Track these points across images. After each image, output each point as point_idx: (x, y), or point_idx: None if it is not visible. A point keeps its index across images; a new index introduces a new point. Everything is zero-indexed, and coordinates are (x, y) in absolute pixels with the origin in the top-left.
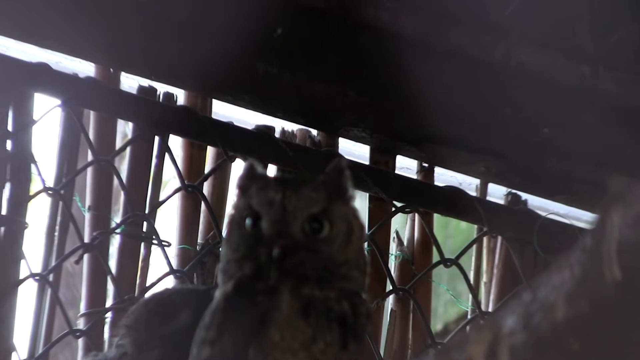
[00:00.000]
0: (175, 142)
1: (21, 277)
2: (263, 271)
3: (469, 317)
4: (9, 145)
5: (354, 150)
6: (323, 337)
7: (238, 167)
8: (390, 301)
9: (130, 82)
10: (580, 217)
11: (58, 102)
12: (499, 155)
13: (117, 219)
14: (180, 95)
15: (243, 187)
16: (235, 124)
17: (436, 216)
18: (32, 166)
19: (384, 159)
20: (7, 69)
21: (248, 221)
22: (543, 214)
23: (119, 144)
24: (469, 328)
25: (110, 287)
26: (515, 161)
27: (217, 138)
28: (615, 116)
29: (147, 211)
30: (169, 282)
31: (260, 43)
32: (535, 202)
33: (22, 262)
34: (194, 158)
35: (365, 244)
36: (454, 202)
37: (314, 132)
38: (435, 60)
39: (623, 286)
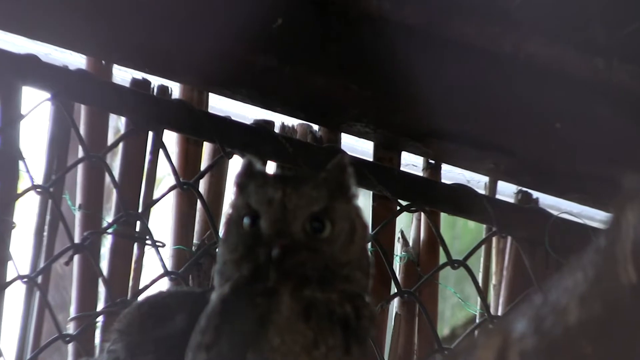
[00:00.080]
0: (170, 138)
1: (8, 279)
2: (262, 272)
3: (477, 321)
4: None
5: (357, 146)
6: (325, 340)
7: (236, 164)
8: (394, 304)
9: (123, 75)
10: (594, 216)
11: (47, 95)
12: (509, 151)
13: (108, 218)
14: (176, 89)
15: (241, 185)
16: (233, 118)
17: (443, 215)
18: (20, 163)
19: (388, 156)
20: None
21: (246, 220)
22: (555, 213)
23: (111, 139)
24: (477, 332)
25: (102, 290)
26: (526, 158)
27: (213, 133)
28: (630, 110)
29: (140, 210)
30: (164, 285)
31: (259, 34)
32: (547, 201)
33: (10, 263)
34: (190, 154)
35: (369, 245)
36: (461, 201)
37: (315, 127)
38: (441, 52)
39: (638, 287)
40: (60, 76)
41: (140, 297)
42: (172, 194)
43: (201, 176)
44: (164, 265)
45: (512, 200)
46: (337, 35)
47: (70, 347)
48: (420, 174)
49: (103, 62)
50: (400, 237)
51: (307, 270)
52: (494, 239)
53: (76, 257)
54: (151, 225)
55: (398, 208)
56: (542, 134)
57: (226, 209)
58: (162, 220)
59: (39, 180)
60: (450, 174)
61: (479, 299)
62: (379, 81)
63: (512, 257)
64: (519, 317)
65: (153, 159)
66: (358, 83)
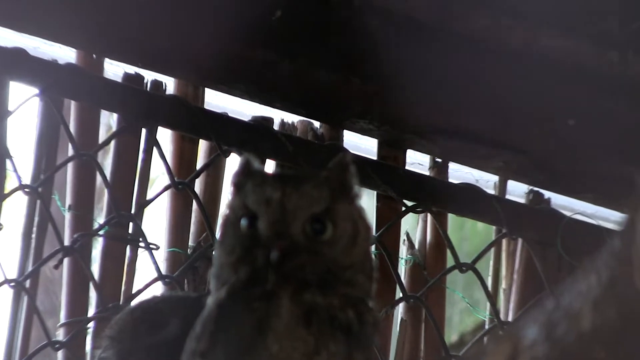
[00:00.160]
0: (165, 135)
1: None
2: (260, 276)
3: (486, 327)
4: None
5: (360, 144)
6: (326, 347)
7: (233, 163)
8: (400, 309)
9: (114, 69)
10: (608, 217)
11: (36, 91)
12: (519, 149)
13: (100, 219)
14: (170, 84)
15: (238, 184)
16: (230, 115)
17: (450, 216)
18: (7, 161)
19: (393, 154)
20: None
21: (244, 221)
22: (568, 213)
23: (102, 137)
24: (486, 339)
25: (93, 294)
26: (537, 156)
27: (210, 130)
28: None
29: (133, 211)
30: (157, 289)
31: (257, 27)
32: (559, 201)
33: None
34: (185, 152)
35: (373, 247)
36: (469, 201)
37: (317, 124)
38: (449, 45)
39: None
40: (49, 71)
41: (133, 302)
42: (167, 194)
43: (197, 175)
44: (157, 269)
45: (522, 201)
46: (339, 27)
47: (60, 354)
48: (427, 173)
49: (94, 55)
50: (405, 239)
51: (308, 274)
52: (504, 241)
53: (66, 261)
54: (144, 226)
55: (403, 209)
56: (554, 130)
57: (223, 209)
58: (156, 221)
59: (27, 180)
60: (458, 173)
61: (488, 304)
62: (384, 76)
63: (523, 260)
64: (530, 323)
65: (146, 158)
66: (361, 78)
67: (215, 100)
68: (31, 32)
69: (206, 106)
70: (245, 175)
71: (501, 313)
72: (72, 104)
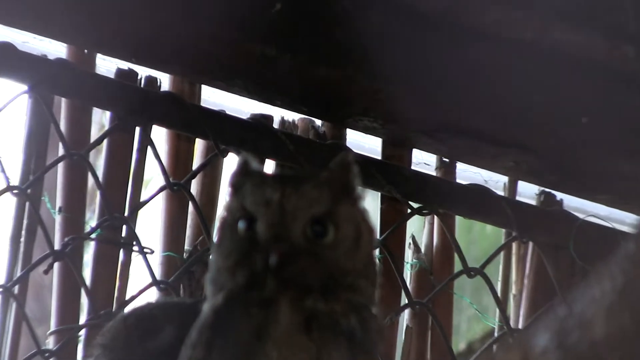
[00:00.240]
0: (159, 134)
1: None
2: (258, 281)
3: (495, 334)
4: None
5: (364, 143)
6: (328, 354)
7: (231, 163)
8: (405, 316)
9: (107, 65)
10: (623, 220)
11: (24, 87)
12: (530, 148)
13: (92, 222)
14: (165, 80)
15: (236, 185)
16: (228, 112)
17: (458, 219)
18: None
19: (398, 153)
20: None
21: (241, 224)
22: (581, 216)
23: (94, 135)
24: (495, 347)
25: (85, 301)
26: (549, 155)
27: (207, 129)
28: None
29: (126, 213)
30: (152, 295)
31: (256, 20)
32: (572, 203)
33: None
34: (181, 152)
35: (377, 251)
36: (478, 203)
37: (318, 122)
38: (457, 39)
39: None
40: (39, 66)
41: (126, 309)
42: (162, 195)
43: (193, 176)
44: (152, 274)
45: (533, 202)
46: (342, 21)
47: None
48: (433, 173)
49: (85, 50)
50: (411, 242)
51: (308, 279)
52: (514, 245)
53: (56, 265)
54: (138, 230)
55: (409, 211)
56: (567, 129)
57: (220, 211)
58: (151, 224)
59: (15, 181)
60: (466, 173)
61: (497, 311)
62: (388, 72)
63: (534, 265)
64: (541, 330)
65: (140, 157)
66: (365, 73)
67: (213, 97)
68: (19, 26)
69: (203, 103)
70: (243, 176)
71: (511, 320)
72: (63, 101)
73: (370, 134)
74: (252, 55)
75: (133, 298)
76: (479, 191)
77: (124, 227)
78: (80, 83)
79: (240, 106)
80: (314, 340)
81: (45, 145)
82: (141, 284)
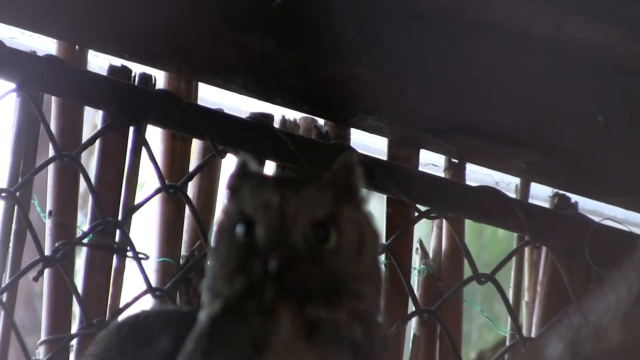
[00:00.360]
0: (154, 134)
1: None
2: (257, 288)
3: (507, 343)
4: None
5: (369, 143)
6: None
7: (229, 164)
8: (412, 325)
9: (99, 62)
10: None
11: (12, 85)
12: (544, 148)
13: (84, 226)
14: (160, 78)
15: (234, 188)
16: (226, 111)
17: (468, 222)
18: None
19: (404, 154)
20: None
21: (240, 228)
22: (596, 219)
23: (86, 136)
24: (507, 357)
25: (76, 309)
26: (563, 156)
27: (204, 129)
28: None
29: (120, 217)
30: (147, 303)
31: (256, 14)
32: (587, 205)
33: None
34: (177, 153)
35: (382, 256)
36: (489, 206)
37: (321, 121)
38: (467, 33)
39: None
40: (27, 63)
41: (120, 317)
42: (157, 198)
43: (190, 178)
44: (147, 281)
45: (547, 205)
46: (346, 14)
47: None
48: (442, 174)
49: (76, 47)
50: (418, 247)
51: (310, 286)
52: (527, 250)
53: (47, 272)
54: (133, 234)
55: (416, 214)
56: (582, 128)
57: (218, 215)
58: (145, 228)
59: (3, 184)
60: (476, 174)
61: (509, 319)
62: (394, 68)
63: (547, 271)
64: (554, 339)
65: (134, 159)
66: (370, 70)
67: (210, 96)
68: (7, 21)
69: (200, 102)
70: (241, 178)
71: (523, 328)
72: (53, 99)
73: (375, 134)
74: (251, 51)
75: (127, 306)
76: (489, 193)
77: (118, 231)
78: (71, 81)
79: (239, 105)
80: (316, 350)
81: (35, 146)
82: (135, 291)
